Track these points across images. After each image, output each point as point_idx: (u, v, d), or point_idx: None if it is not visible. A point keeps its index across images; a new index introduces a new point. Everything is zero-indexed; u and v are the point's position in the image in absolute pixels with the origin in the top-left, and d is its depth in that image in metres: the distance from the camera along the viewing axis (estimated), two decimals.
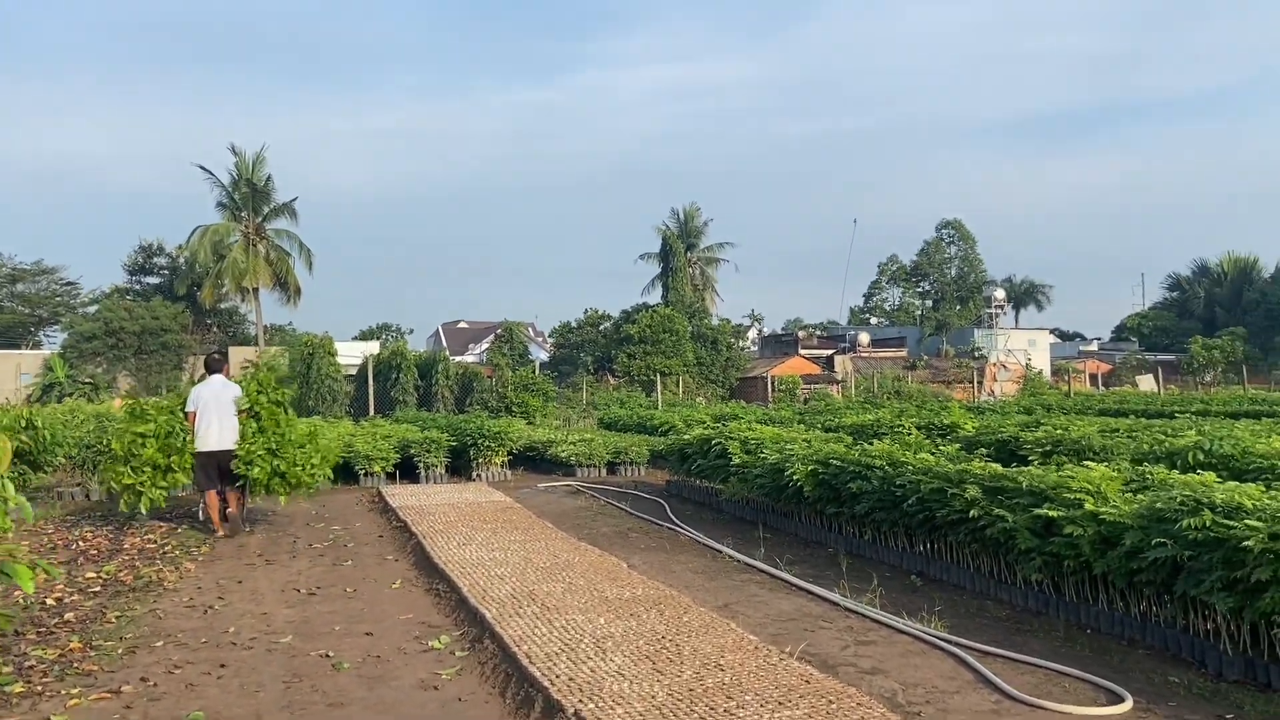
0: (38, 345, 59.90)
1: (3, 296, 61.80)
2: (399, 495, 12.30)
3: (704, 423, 13.13)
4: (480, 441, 15.39)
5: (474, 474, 15.34)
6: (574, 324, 59.30)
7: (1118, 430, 9.74)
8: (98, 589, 7.39)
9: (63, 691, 4.95)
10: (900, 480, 7.44)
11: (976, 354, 61.14)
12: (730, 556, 8.32)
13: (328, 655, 5.62)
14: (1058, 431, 8.59)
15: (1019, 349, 51.88)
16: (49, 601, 6.91)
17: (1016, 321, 72.84)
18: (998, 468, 6.72)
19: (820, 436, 9.77)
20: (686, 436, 11.76)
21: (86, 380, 46.01)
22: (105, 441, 13.05)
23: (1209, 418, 14.31)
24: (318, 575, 7.98)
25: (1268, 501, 4.82)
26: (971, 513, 6.37)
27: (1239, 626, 4.82)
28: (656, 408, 32.76)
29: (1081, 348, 71.99)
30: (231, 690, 5.04)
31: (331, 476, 13.96)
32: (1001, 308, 72.42)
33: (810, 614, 6.42)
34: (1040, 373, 46.81)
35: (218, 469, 10.00)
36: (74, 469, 13.66)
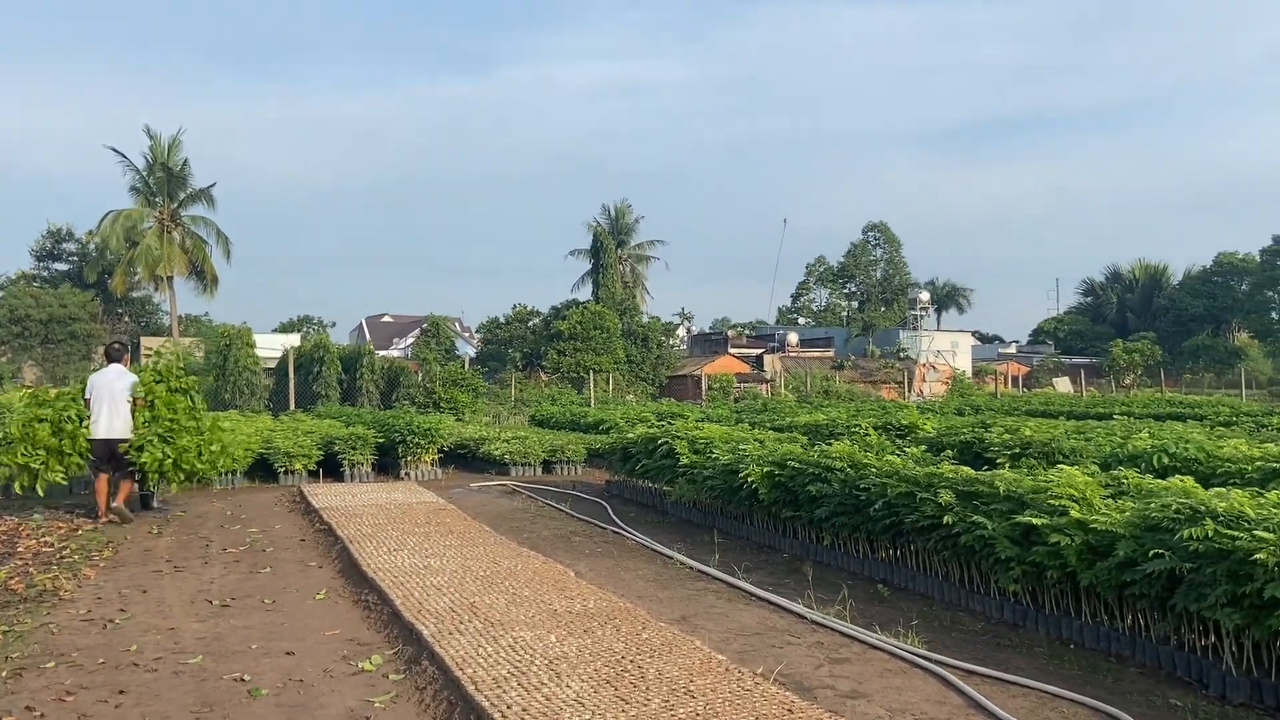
0: None
1: None
2: (322, 495, 11.55)
3: (647, 421, 12.65)
4: (409, 439, 14.68)
5: (403, 472, 14.62)
6: (502, 319, 58.42)
7: (1066, 432, 9.54)
8: None
9: None
10: (864, 484, 7.06)
11: (902, 355, 62.07)
12: (682, 563, 7.85)
13: (243, 679, 4.98)
14: (1026, 433, 8.32)
15: (945, 350, 52.70)
16: None
17: (939, 324, 74.07)
18: (970, 471, 6.37)
19: (773, 437, 9.37)
20: (630, 435, 11.27)
21: None
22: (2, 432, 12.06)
23: (1137, 419, 14.34)
24: (232, 584, 7.28)
25: (1274, 511, 4.53)
26: (945, 519, 6.00)
27: (1243, 645, 4.51)
28: (589, 405, 32.22)
29: (1000, 350, 73.67)
30: None
31: (236, 468, 13.24)
32: (926, 310, 73.59)
33: (775, 627, 5.98)
34: (964, 374, 47.56)
35: (109, 456, 10.20)
36: None
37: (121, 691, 4.79)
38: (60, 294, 47.26)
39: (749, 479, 8.18)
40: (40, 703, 4.59)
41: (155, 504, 10.99)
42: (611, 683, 4.55)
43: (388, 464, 15.12)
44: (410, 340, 62.87)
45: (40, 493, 10.55)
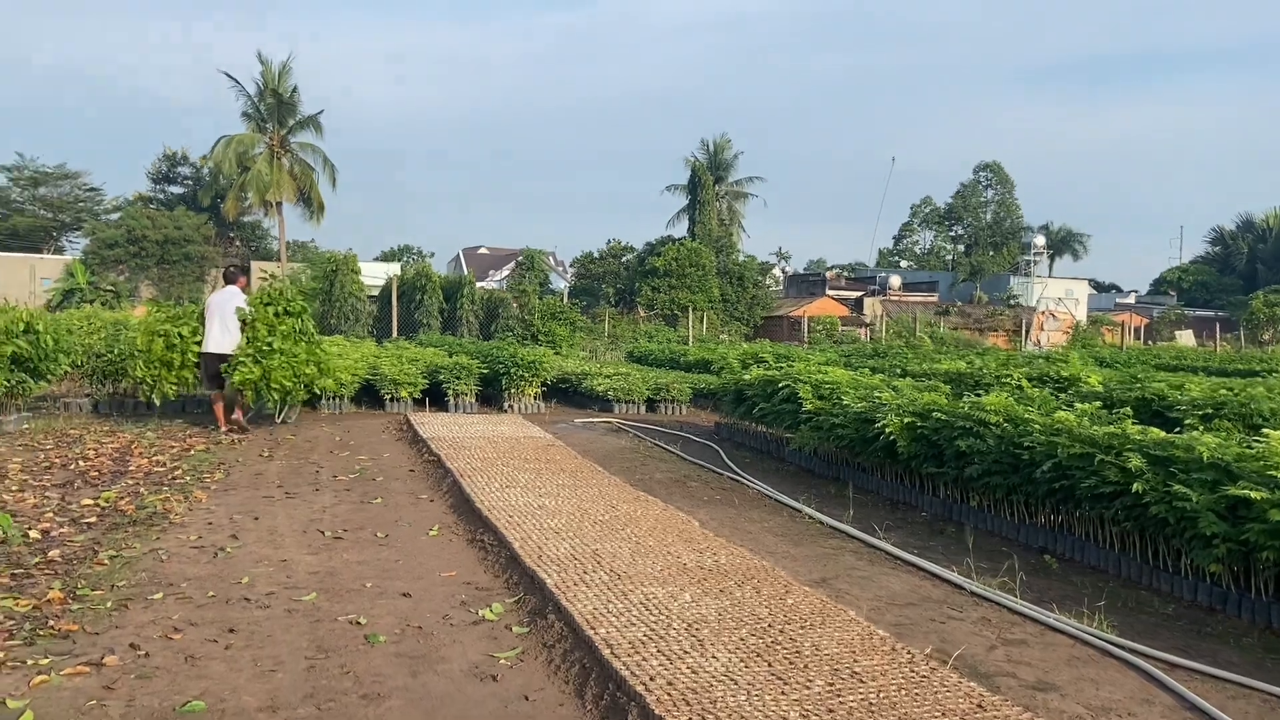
0: (59, 250, 59.29)
1: (25, 199, 61.00)
2: (429, 424, 11.31)
3: (763, 361, 12.01)
4: (513, 371, 14.36)
5: (506, 405, 14.35)
6: (596, 254, 57.98)
7: (1269, 391, 8.45)
8: (93, 520, 6.43)
9: (29, 662, 3.98)
10: (1026, 441, 6.33)
11: (1013, 301, 59.58)
12: (812, 518, 7.28)
13: (358, 622, 4.63)
14: (1220, 392, 7.40)
15: (1061, 298, 50.27)
16: (33, 535, 5.95)
17: (1050, 270, 70.70)
18: (1160, 433, 5.59)
19: (909, 384, 8.64)
20: (746, 377, 10.66)
21: (108, 288, 45.34)
22: (116, 350, 12.16)
23: None
24: (344, 514, 7.00)
25: None
26: (1135, 486, 5.26)
27: None
28: (686, 343, 31.67)
29: (1118, 300, 70.15)
30: (242, 667, 4.05)
31: (343, 394, 13.17)
32: (1041, 255, 70.48)
33: (929, 597, 5.38)
34: (1081, 324, 45.26)
35: (219, 372, 10.59)
36: (82, 378, 12.75)
37: (231, 630, 4.48)
38: (175, 216, 48.59)
39: (887, 430, 7.51)
40: (145, 639, 4.31)
41: (278, 420, 11.59)
42: (763, 655, 4.03)
43: (490, 395, 14.88)
44: (505, 273, 63.07)
45: (157, 402, 10.96)
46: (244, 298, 10.88)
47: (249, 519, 6.73)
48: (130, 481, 7.73)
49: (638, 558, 5.61)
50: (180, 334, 10.89)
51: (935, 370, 10.38)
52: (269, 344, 10.44)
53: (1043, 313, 38.74)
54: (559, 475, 8.28)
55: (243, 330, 10.58)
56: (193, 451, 9.28)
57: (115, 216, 54.39)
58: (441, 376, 14.17)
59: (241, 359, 10.37)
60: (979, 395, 7.71)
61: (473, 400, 14.21)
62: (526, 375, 14.42)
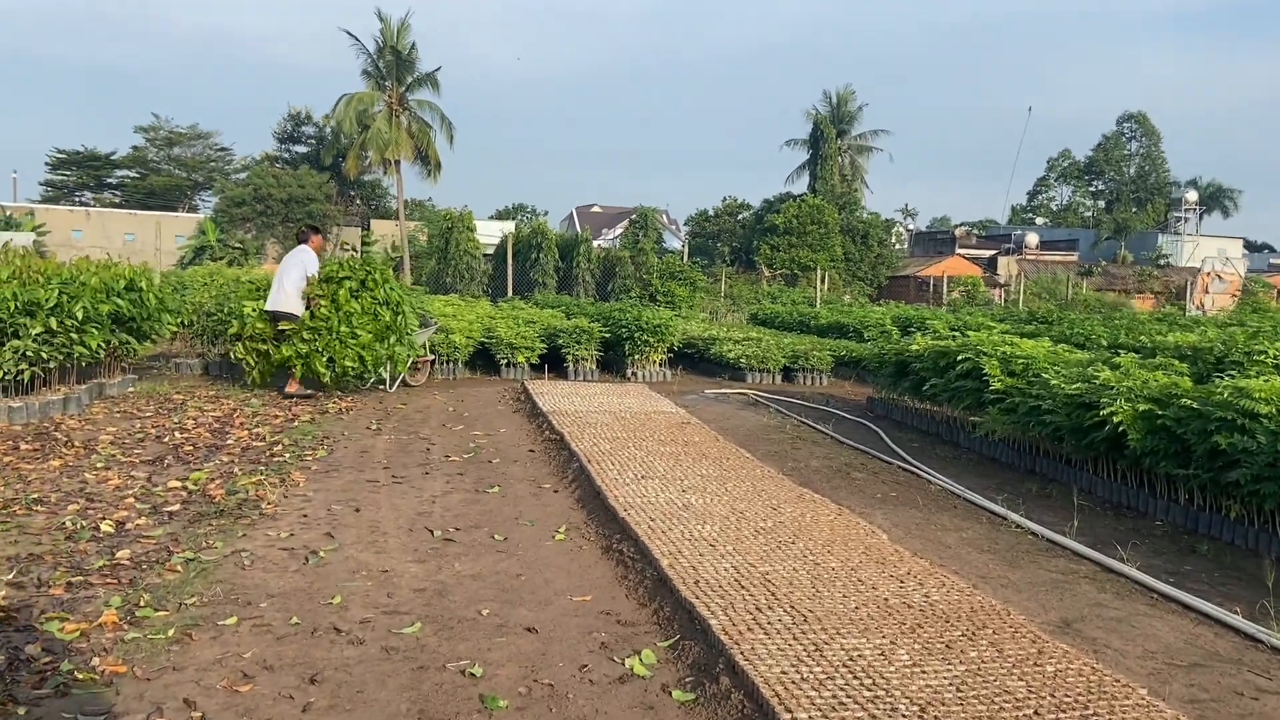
0: (193, 209, 61.27)
1: (160, 159, 63.13)
2: (548, 395, 10.30)
3: (916, 327, 10.56)
4: (637, 335, 13.24)
5: (628, 372, 13.26)
6: (710, 212, 56.34)
7: None
8: (175, 508, 5.58)
9: None
10: None
11: (1162, 261, 55.39)
12: (1020, 527, 5.92)
13: (472, 674, 3.56)
14: None
15: (1216, 258, 46.29)
16: (105, 528, 5.12)
17: (1199, 228, 65.65)
18: None
19: (1132, 360, 7.12)
20: (914, 347, 9.24)
21: (236, 245, 46.40)
22: (226, 309, 11.54)
23: None
24: (456, 506, 6.00)
25: None
26: None
27: None
28: (813, 304, 30.03)
29: (1272, 260, 64.83)
30: None
31: (458, 357, 12.32)
32: (1192, 211, 65.57)
33: (1217, 654, 4.01)
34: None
35: (279, 331, 9.88)
36: (193, 338, 12.22)
37: (314, 679, 3.47)
38: (299, 175, 49.25)
39: (1115, 418, 6.05)
40: (205, 690, 3.33)
41: (403, 384, 11.05)
42: None
43: (611, 361, 13.82)
44: (618, 231, 62.11)
45: (257, 380, 10.17)
46: (312, 257, 10.14)
47: (349, 511, 5.78)
48: (225, 458, 6.91)
49: (821, 586, 4.39)
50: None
51: (1163, 344, 8.72)
52: (324, 321, 9.71)
53: (1207, 274, 35.48)
54: (701, 463, 7.11)
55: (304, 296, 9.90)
56: (297, 423, 8.47)
57: (243, 176, 55.68)
58: (560, 341, 13.18)
59: (295, 334, 9.71)
60: (1224, 377, 6.17)
61: (593, 367, 13.18)
62: (651, 340, 13.29)
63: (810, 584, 4.42)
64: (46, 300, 7.64)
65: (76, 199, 59.07)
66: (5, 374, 7.45)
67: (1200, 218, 72.61)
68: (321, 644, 3.80)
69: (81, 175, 60.15)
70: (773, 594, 4.25)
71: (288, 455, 7.15)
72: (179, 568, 4.56)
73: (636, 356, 13.36)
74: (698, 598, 4.17)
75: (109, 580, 4.36)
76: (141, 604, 4.08)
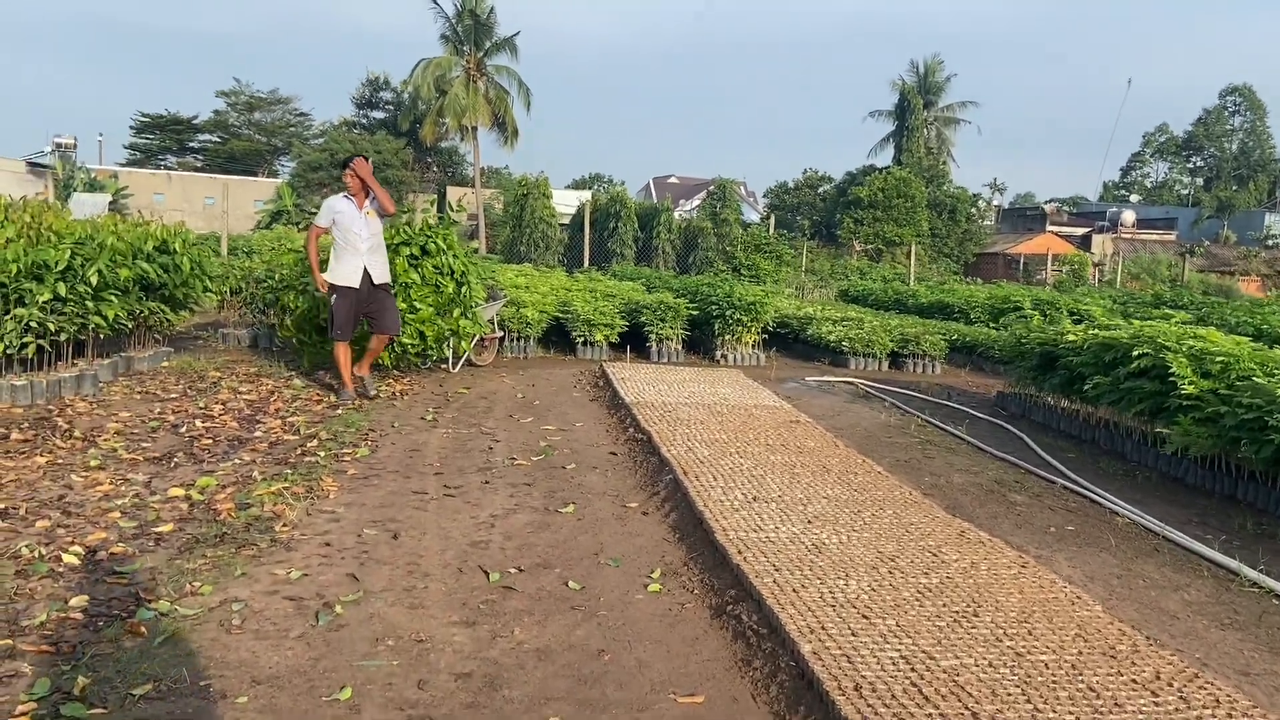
0: (274, 174, 61.48)
1: (241, 124, 63.42)
2: (631, 381, 8.99)
3: (1045, 310, 8.99)
4: (729, 313, 11.84)
5: (718, 354, 11.89)
6: (790, 185, 54.31)
7: None
8: (167, 528, 4.43)
9: None
10: None
11: (1270, 242, 51.91)
12: (1259, 585, 4.42)
13: None
14: None
15: None
16: (66, 557, 3.97)
17: None
18: None
19: None
20: (1069, 337, 7.69)
21: (312, 210, 46.10)
22: (278, 276, 10.47)
23: None
24: (521, 533, 4.74)
25: None
26: None
27: None
28: (905, 281, 28.17)
29: None
30: None
31: (530, 334, 11.11)
32: None
33: None
34: None
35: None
36: (242, 306, 11.22)
37: None
38: (375, 140, 48.69)
39: None
40: None
41: (467, 364, 9.94)
42: None
43: (698, 341, 12.47)
44: (696, 202, 60.49)
45: (306, 365, 9.09)
46: (330, 205, 7.70)
47: (384, 537, 4.56)
48: (246, 457, 5.76)
49: (1037, 699, 3.00)
50: None
51: None
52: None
53: None
54: (824, 478, 5.73)
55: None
56: (340, 411, 7.31)
57: (321, 141, 55.52)
58: (643, 317, 11.85)
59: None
60: None
61: (678, 347, 11.84)
62: (744, 320, 11.87)
63: (1021, 693, 3.03)
64: (56, 263, 6.58)
65: (160, 162, 59.64)
66: (8, 347, 6.40)
67: None
68: None
69: (165, 139, 60.69)
70: (971, 713, 2.88)
71: (322, 454, 5.97)
72: (143, 629, 3.38)
73: (727, 337, 11.98)
74: (852, 701, 2.82)
75: (44, 648, 3.19)
76: (70, 691, 2.89)
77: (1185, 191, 74.94)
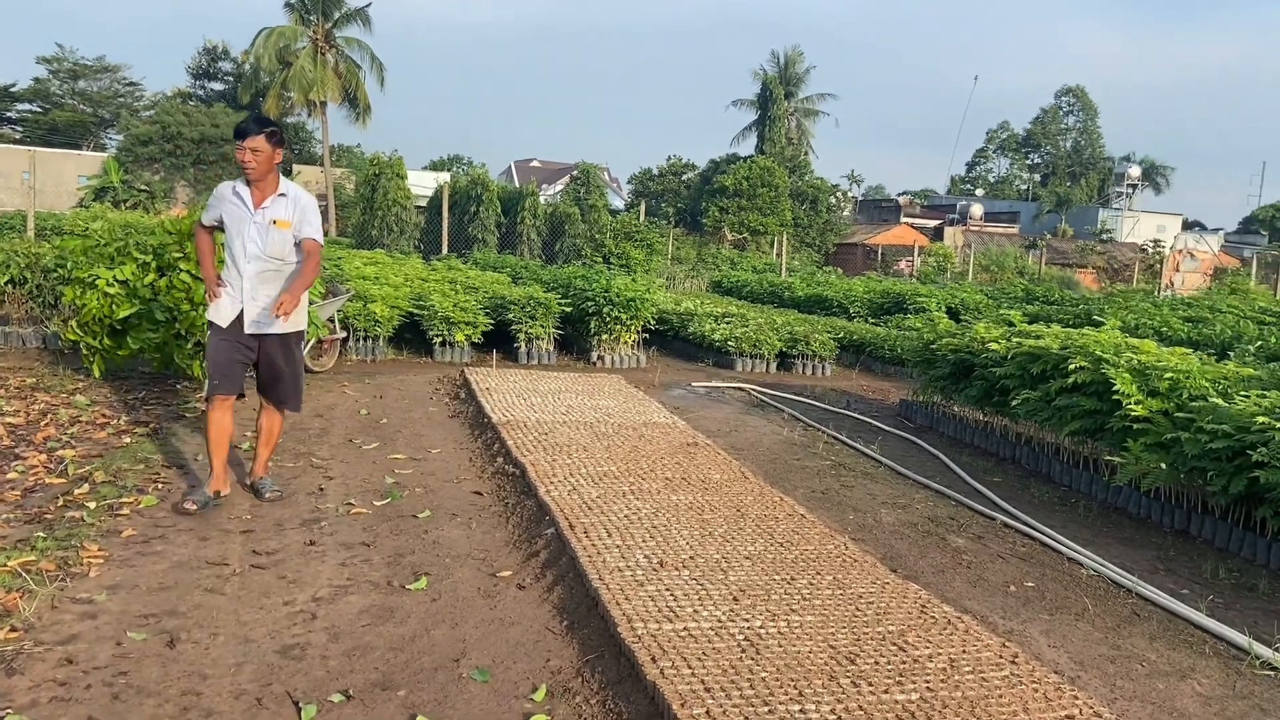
0: (101, 147, 56.41)
1: (65, 93, 58.15)
2: (497, 392, 7.76)
3: (1006, 320, 8.31)
4: (606, 310, 10.70)
5: (594, 355, 10.76)
6: (655, 172, 53.74)
7: None
8: None
9: None
10: None
11: (1105, 237, 54.78)
12: (1275, 668, 3.64)
13: None
14: None
15: (1177, 236, 45.34)
16: None
17: (1129, 203, 65.62)
18: None
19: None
20: (993, 346, 6.92)
21: (142, 188, 42.42)
22: (69, 265, 8.69)
23: None
24: (350, 626, 3.49)
25: None
26: None
27: None
28: (778, 272, 27.73)
29: (1204, 238, 65.00)
30: None
31: (379, 333, 9.74)
32: (1135, 186, 65.34)
33: None
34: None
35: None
36: (26, 301, 9.37)
37: None
38: (212, 113, 45.17)
39: None
40: None
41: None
42: None
43: (570, 338, 11.30)
44: (559, 187, 59.21)
45: (96, 374, 7.44)
46: (232, 195, 4.80)
47: (156, 645, 3.23)
48: None
49: None
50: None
51: None
52: (185, 293, 6.95)
53: (1179, 251, 34.04)
54: (740, 528, 4.68)
55: None
56: (127, 440, 5.81)
57: (153, 113, 51.29)
58: (510, 314, 10.60)
59: (146, 317, 7.05)
60: None
61: (550, 347, 10.66)
62: (624, 318, 10.77)
63: None
64: None
65: None
66: None
67: (1135, 193, 72.93)
68: None
69: None
70: None
71: (92, 505, 4.53)
72: None
73: (605, 336, 10.85)
74: None
75: None
76: None
77: (1024, 187, 78.70)
